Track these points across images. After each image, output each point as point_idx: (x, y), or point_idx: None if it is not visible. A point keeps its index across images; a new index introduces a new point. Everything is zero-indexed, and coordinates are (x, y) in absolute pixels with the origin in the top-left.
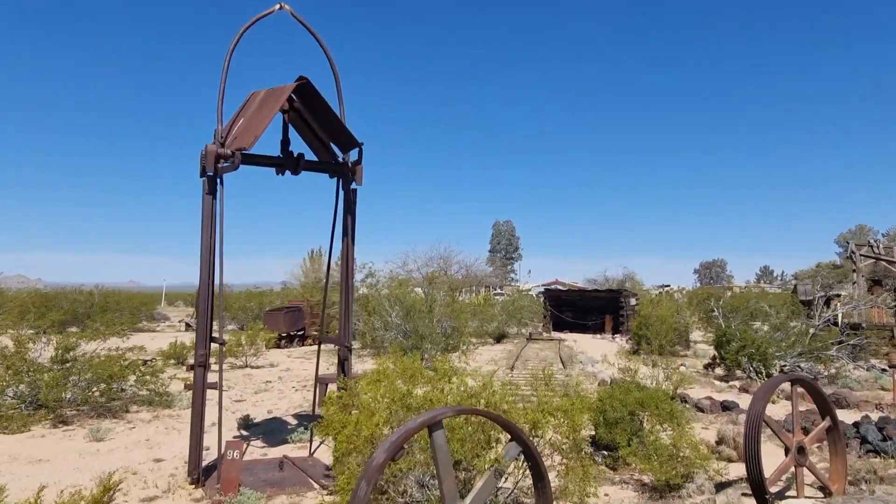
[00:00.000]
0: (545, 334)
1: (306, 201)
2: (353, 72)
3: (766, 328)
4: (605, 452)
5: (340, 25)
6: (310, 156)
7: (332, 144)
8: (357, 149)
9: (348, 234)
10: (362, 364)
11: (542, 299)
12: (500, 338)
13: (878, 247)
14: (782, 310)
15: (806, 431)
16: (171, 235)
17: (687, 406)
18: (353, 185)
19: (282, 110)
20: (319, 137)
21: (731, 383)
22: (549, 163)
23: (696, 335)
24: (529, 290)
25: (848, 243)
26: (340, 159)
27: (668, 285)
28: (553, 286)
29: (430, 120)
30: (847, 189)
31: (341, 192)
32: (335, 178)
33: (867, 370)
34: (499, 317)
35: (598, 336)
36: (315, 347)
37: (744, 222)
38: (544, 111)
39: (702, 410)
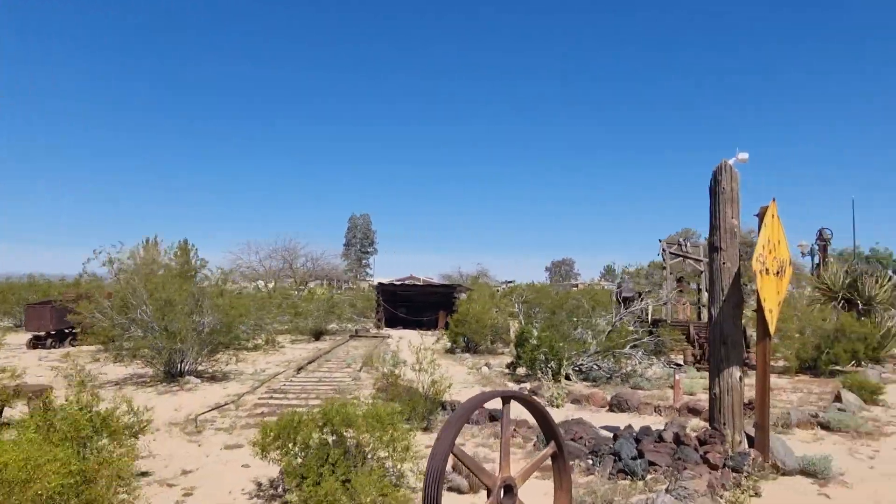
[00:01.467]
0: (373, 331)
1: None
2: (214, 64)
3: (565, 326)
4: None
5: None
6: None
7: None
8: None
9: None
10: (102, 370)
11: (375, 294)
12: (318, 335)
13: (685, 246)
14: (582, 306)
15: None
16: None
17: None
18: None
19: None
20: None
21: (522, 385)
22: (409, 157)
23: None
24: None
25: (660, 242)
26: None
27: (513, 281)
28: (408, 281)
29: (286, 111)
30: (682, 192)
31: None
32: None
33: (666, 367)
34: (313, 313)
35: (430, 332)
36: (85, 348)
37: (591, 222)
38: (403, 106)
39: (467, 421)
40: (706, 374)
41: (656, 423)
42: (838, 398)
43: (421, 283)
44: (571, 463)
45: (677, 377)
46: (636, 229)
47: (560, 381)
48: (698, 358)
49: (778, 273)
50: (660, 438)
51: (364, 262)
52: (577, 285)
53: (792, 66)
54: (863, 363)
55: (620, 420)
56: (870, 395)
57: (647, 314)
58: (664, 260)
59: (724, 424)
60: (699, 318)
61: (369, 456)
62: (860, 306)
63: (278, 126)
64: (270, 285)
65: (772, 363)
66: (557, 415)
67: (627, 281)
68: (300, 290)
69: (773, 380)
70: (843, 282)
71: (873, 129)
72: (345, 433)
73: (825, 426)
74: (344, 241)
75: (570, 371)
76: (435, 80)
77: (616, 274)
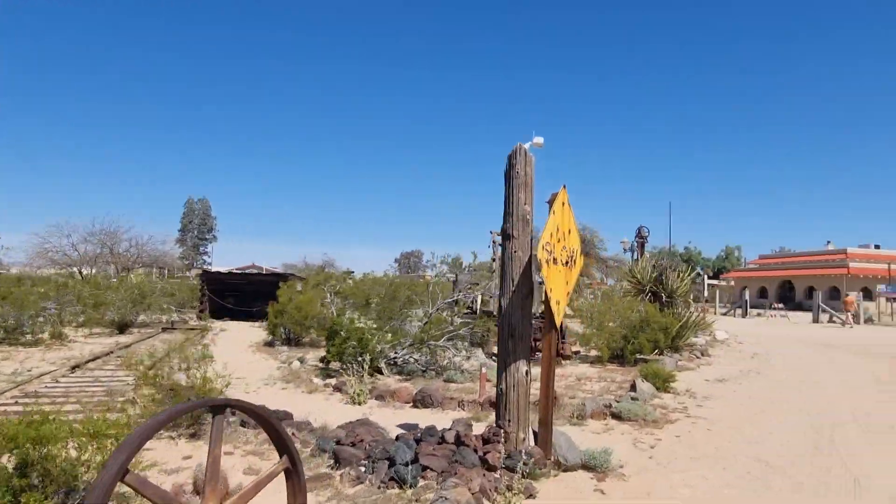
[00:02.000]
0: (192, 322)
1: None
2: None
3: (381, 318)
4: None
5: None
6: None
7: None
8: None
9: None
10: None
11: (199, 282)
12: (123, 328)
13: None
14: (409, 296)
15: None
16: None
17: (231, 421)
18: None
19: None
20: None
21: (327, 381)
22: (258, 144)
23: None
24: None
25: (490, 233)
26: None
27: (353, 271)
28: (251, 269)
29: (119, 89)
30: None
31: None
32: None
33: (486, 359)
34: (116, 303)
35: (258, 324)
36: None
37: (440, 214)
38: (247, 90)
39: (244, 425)
40: None
41: (458, 418)
42: (634, 387)
43: (252, 272)
44: (342, 472)
45: (483, 370)
46: (486, 222)
47: (364, 375)
48: None
49: (567, 263)
50: (442, 439)
51: (202, 249)
52: (423, 277)
53: (619, 68)
54: (665, 352)
55: (422, 417)
56: (662, 382)
57: (476, 306)
58: (494, 251)
59: (510, 422)
60: None
61: (76, 482)
62: (664, 298)
63: (106, 101)
64: (86, 272)
65: (586, 353)
66: (356, 413)
67: (466, 273)
68: (117, 278)
69: (585, 369)
70: (650, 276)
71: (691, 136)
72: (40, 454)
73: (617, 415)
74: (179, 226)
75: (384, 364)
76: (280, 62)
77: (463, 267)
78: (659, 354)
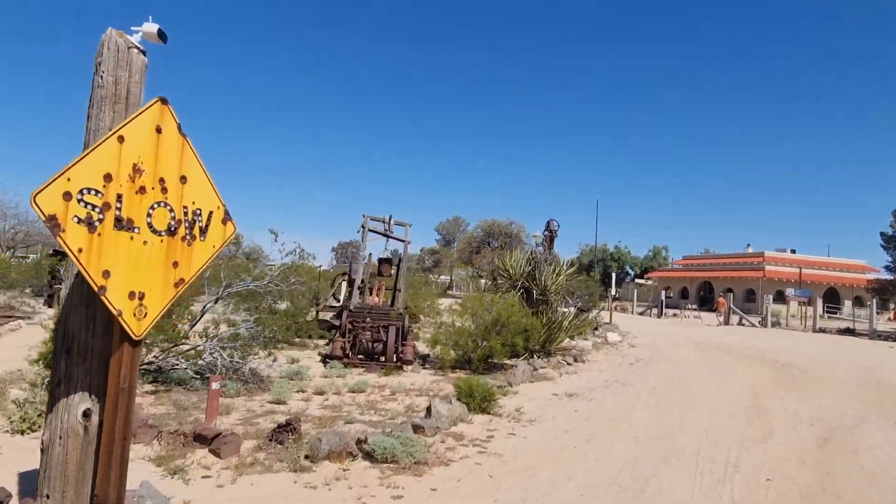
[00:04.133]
0: None
1: None
2: None
3: None
4: None
5: None
6: None
7: None
8: None
9: None
10: None
11: None
12: None
13: (389, 224)
14: None
15: None
16: None
17: None
18: None
19: None
20: None
21: None
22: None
23: None
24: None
25: (363, 216)
26: None
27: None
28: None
29: None
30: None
31: None
32: None
33: (325, 362)
34: None
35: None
36: None
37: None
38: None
39: None
40: (353, 370)
41: (140, 458)
42: (430, 411)
43: None
44: None
45: (214, 385)
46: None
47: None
48: (346, 351)
49: (173, 232)
50: None
51: None
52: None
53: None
54: (535, 356)
55: None
56: (479, 402)
57: (340, 298)
58: (362, 238)
59: (49, 497)
60: (392, 303)
61: None
62: (535, 296)
63: None
64: None
65: (438, 357)
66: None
67: (361, 261)
68: None
69: (421, 378)
70: (523, 270)
71: (623, 136)
72: None
73: (370, 454)
74: None
75: None
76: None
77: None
78: (527, 359)
